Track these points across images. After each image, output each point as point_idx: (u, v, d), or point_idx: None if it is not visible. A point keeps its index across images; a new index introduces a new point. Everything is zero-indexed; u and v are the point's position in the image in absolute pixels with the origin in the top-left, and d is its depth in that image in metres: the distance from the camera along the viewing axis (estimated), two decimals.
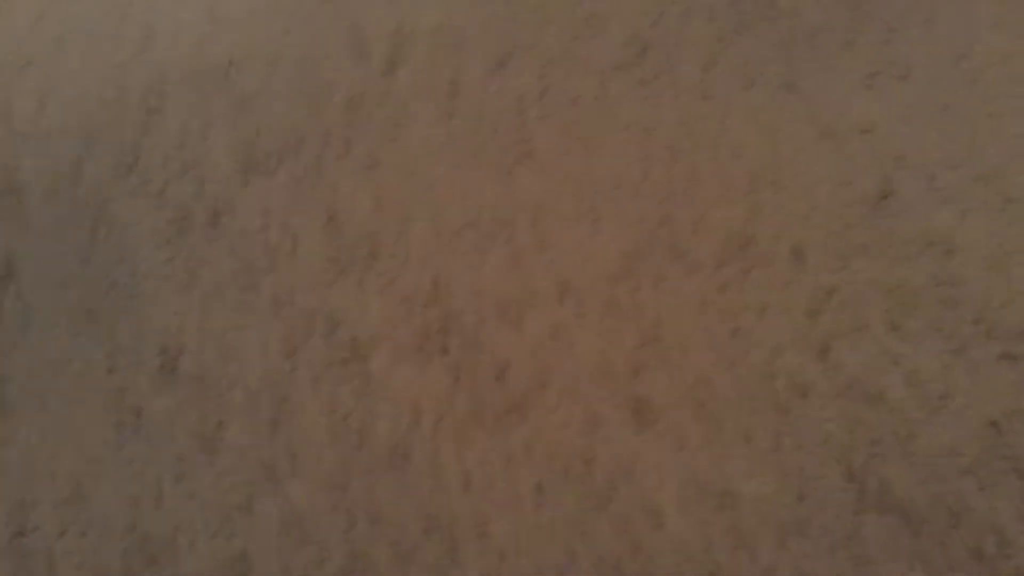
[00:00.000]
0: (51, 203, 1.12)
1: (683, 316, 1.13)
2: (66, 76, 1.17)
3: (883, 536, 0.96)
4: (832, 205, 1.25)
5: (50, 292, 1.03)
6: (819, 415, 1.05)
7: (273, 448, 0.95)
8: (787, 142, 1.32)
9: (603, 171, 1.26)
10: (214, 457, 0.93)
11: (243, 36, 1.24)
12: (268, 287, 1.08)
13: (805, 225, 1.23)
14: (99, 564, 0.86)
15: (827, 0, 1.21)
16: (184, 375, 0.99)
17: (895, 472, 1.01)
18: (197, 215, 1.14)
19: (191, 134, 1.22)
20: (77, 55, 1.18)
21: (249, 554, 0.89)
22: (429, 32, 1.27)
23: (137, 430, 0.94)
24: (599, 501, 0.97)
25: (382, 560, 0.90)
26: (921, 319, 1.15)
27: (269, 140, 1.24)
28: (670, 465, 1.01)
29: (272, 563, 0.88)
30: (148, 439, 0.93)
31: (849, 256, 1.20)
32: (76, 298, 1.03)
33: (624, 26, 1.28)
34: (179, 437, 0.95)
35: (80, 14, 1.21)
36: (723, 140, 1.31)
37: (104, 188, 1.14)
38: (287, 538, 0.90)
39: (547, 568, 0.91)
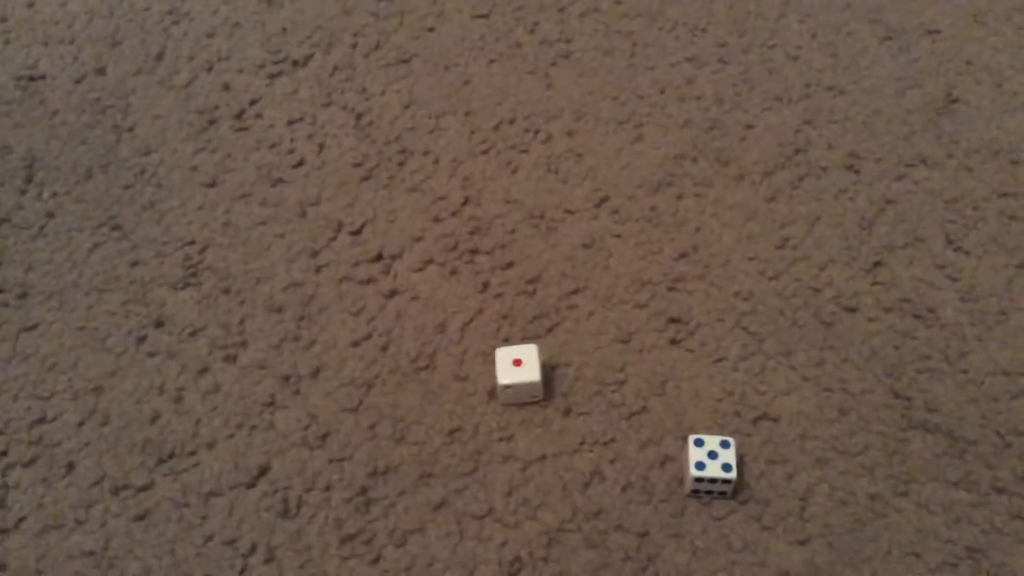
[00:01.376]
0: (74, 99, 1.10)
1: (727, 227, 1.08)
2: None
3: (927, 456, 0.91)
4: (893, 111, 1.18)
5: (73, 186, 1.02)
6: (866, 330, 1.00)
7: (296, 350, 0.93)
8: (847, 43, 1.24)
9: (647, 73, 1.20)
10: (237, 355, 0.92)
11: None
12: (294, 186, 1.05)
13: (863, 132, 1.16)
14: (117, 456, 0.86)
15: None
16: (208, 271, 0.97)
17: (944, 391, 0.96)
18: (223, 111, 1.11)
19: (218, 30, 1.18)
20: None
21: (269, 457, 0.87)
22: None
23: (160, 325, 0.93)
24: (629, 414, 0.94)
25: (403, 467, 0.88)
26: (982, 232, 1.08)
27: (298, 37, 1.20)
28: (705, 380, 0.97)
29: (291, 466, 0.86)
30: (170, 334, 0.92)
31: (909, 165, 1.13)
32: (99, 192, 1.01)
33: None
34: (202, 334, 0.93)
35: None
36: (777, 40, 1.24)
37: (128, 83, 1.11)
38: (307, 442, 0.88)
39: (572, 479, 0.89)
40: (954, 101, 1.19)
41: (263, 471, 0.88)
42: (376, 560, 0.84)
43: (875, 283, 1.04)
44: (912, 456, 0.92)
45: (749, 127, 1.16)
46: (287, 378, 0.94)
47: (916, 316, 1.01)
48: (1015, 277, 1.05)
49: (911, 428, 0.94)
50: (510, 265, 1.03)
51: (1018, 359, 0.99)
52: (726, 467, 0.86)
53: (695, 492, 0.89)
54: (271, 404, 0.92)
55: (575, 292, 1.02)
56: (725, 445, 0.88)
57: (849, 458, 0.92)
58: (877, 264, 1.05)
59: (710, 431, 0.92)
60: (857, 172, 1.13)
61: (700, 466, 0.87)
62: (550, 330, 0.99)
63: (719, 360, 0.98)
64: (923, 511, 0.89)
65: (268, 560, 0.84)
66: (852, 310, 1.02)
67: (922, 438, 0.93)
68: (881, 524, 0.88)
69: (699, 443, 0.88)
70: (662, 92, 1.18)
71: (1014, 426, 0.94)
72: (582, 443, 0.92)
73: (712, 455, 0.87)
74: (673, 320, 1.01)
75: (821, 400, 0.95)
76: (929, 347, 0.99)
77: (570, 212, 1.08)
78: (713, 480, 0.87)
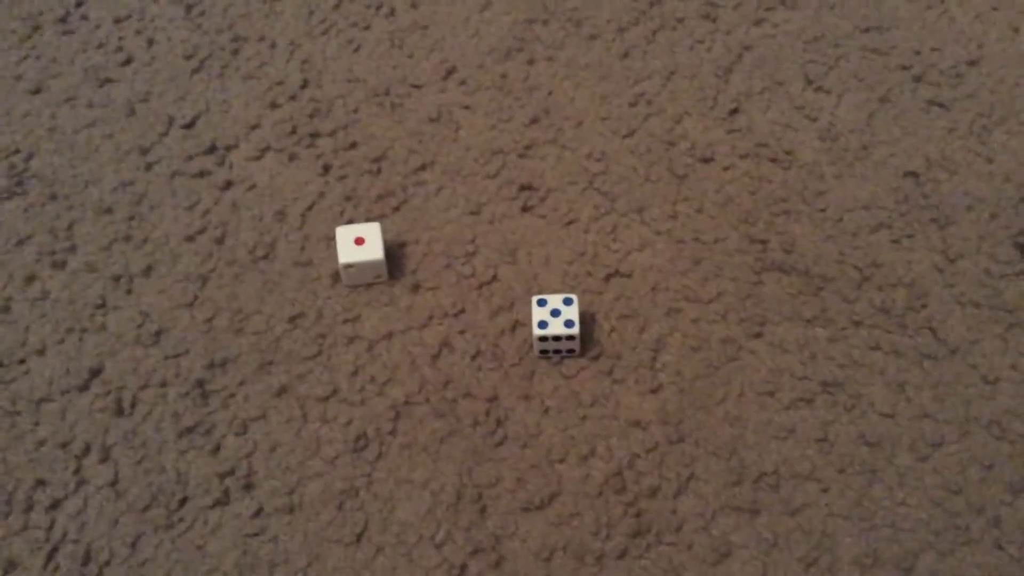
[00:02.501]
0: None
1: (579, 88, 1.04)
2: None
3: (782, 296, 0.89)
4: None
5: None
6: (721, 179, 0.97)
7: (127, 250, 0.90)
8: None
9: None
10: (66, 260, 0.88)
11: None
12: (123, 85, 1.01)
13: None
14: None
15: None
16: (34, 179, 0.93)
17: (801, 231, 0.94)
18: (48, 16, 1.05)
19: None
20: None
21: (101, 358, 0.85)
22: None
23: None
24: (479, 283, 0.91)
25: (243, 357, 0.85)
26: (843, 70, 1.05)
27: None
28: (556, 244, 0.94)
29: (125, 367, 0.84)
30: None
31: (768, 9, 1.09)
32: None
33: None
34: (29, 242, 0.89)
35: None
36: None
37: None
38: (140, 340, 0.85)
39: (420, 353, 0.86)
40: None
41: (95, 373, 0.86)
42: (216, 450, 0.82)
43: (731, 131, 1.01)
44: (766, 298, 0.90)
45: None
46: (118, 278, 0.90)
47: (773, 160, 0.99)
48: (876, 111, 1.02)
49: (765, 271, 0.92)
50: (353, 146, 0.99)
51: (879, 192, 0.96)
52: (568, 323, 0.84)
53: (543, 352, 0.87)
54: (102, 306, 0.89)
55: (422, 168, 0.99)
56: (568, 302, 0.85)
57: (702, 306, 0.90)
58: (734, 112, 1.02)
59: (560, 292, 0.89)
60: (714, 20, 1.09)
61: (543, 325, 0.85)
62: (397, 208, 0.96)
63: (571, 223, 0.96)
64: (777, 350, 0.87)
65: (103, 459, 0.82)
66: (707, 160, 0.99)
67: (777, 279, 0.91)
68: (734, 367, 0.87)
69: (542, 303, 0.86)
70: None
71: (873, 259, 0.92)
72: (431, 317, 0.90)
73: (555, 313, 0.85)
74: (524, 187, 0.98)
75: (674, 252, 0.93)
76: (786, 189, 0.97)
77: (416, 87, 1.04)
78: (557, 338, 0.85)
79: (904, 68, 1.04)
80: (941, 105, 1.01)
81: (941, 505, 0.79)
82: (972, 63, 1.03)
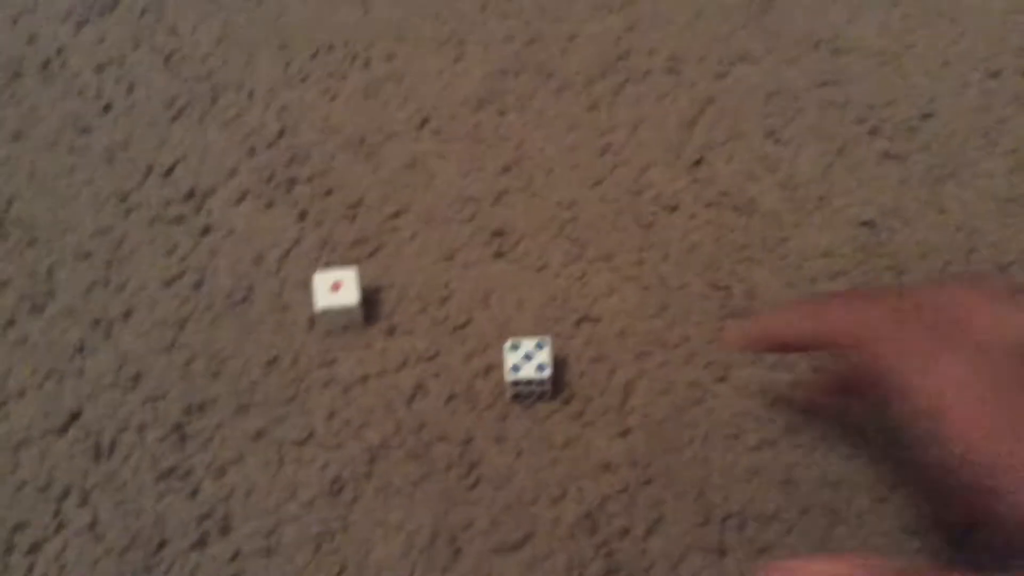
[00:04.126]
0: None
1: (549, 138, 1.08)
2: None
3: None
4: (714, 11, 1.18)
5: None
6: (686, 227, 1.01)
7: (105, 295, 0.91)
8: None
9: None
10: (45, 304, 0.89)
11: None
12: (102, 133, 1.02)
13: (685, 34, 1.16)
14: None
15: None
16: (13, 224, 0.95)
17: (762, 278, 0.97)
18: (29, 62, 1.07)
19: None
20: None
21: (80, 402, 0.86)
22: None
23: None
24: (454, 327, 0.94)
25: (220, 400, 0.87)
26: (802, 123, 1.09)
27: None
28: (527, 288, 0.97)
29: (104, 411, 0.85)
30: None
31: (730, 63, 1.14)
32: None
33: None
34: (9, 287, 0.91)
35: None
36: None
37: None
38: (119, 384, 0.87)
39: (395, 396, 0.89)
40: None
41: (74, 416, 0.87)
42: (194, 493, 0.83)
43: (695, 180, 1.05)
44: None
45: (572, 38, 1.15)
46: (97, 322, 0.92)
47: (735, 208, 1.03)
48: (833, 163, 1.06)
49: (729, 316, 0.95)
50: (329, 192, 1.02)
51: (836, 241, 1.00)
52: (540, 367, 0.87)
53: (516, 396, 0.89)
54: (81, 350, 0.90)
55: (397, 215, 1.01)
56: (540, 346, 0.88)
57: (669, 350, 0.93)
58: (698, 162, 1.06)
59: (533, 336, 0.92)
60: (678, 74, 1.13)
61: (515, 369, 0.87)
62: (372, 254, 0.99)
63: (541, 268, 0.98)
64: (741, 395, 0.90)
65: (82, 503, 0.83)
66: (673, 208, 1.03)
67: (740, 325, 0.94)
68: (700, 410, 0.90)
69: (514, 347, 0.88)
70: (483, 9, 1.17)
71: None
72: (405, 361, 0.92)
73: (527, 357, 0.88)
74: (496, 233, 1.01)
75: (641, 298, 0.96)
76: (748, 237, 1.01)
77: (391, 135, 1.07)
78: (529, 382, 0.87)
79: (860, 122, 1.08)
80: (895, 157, 1.06)
81: (899, 546, 0.82)
82: (925, 117, 1.08)
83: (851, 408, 0.88)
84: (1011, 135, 1.07)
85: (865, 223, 1.01)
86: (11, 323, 0.92)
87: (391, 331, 0.93)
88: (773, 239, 1.00)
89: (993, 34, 1.15)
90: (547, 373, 0.87)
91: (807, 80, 1.13)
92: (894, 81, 1.12)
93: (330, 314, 0.91)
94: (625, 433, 0.88)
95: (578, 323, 0.95)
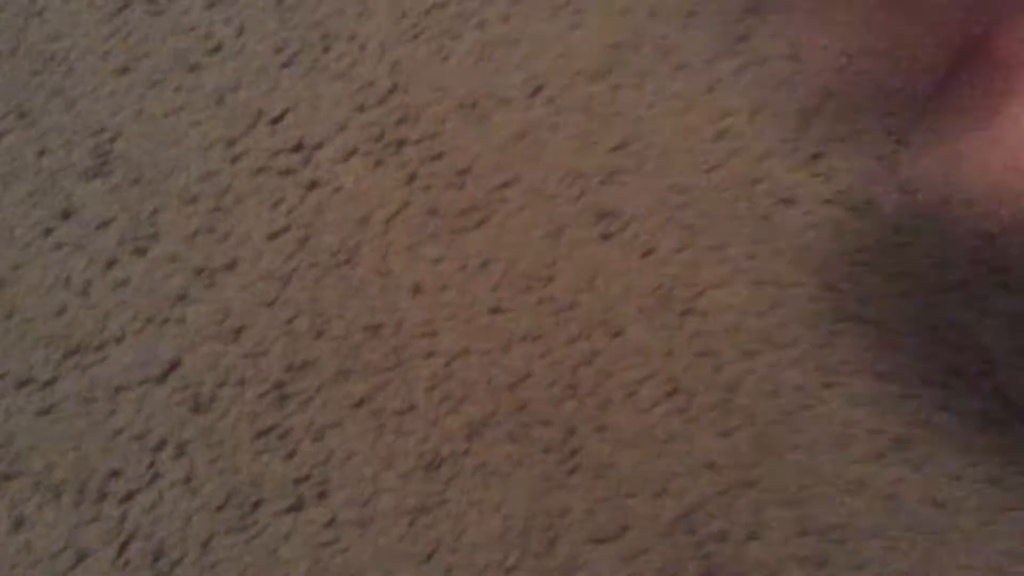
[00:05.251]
0: None
1: (665, 117, 1.04)
2: None
3: (857, 349, 0.90)
4: (841, 0, 1.13)
5: None
6: (802, 223, 0.97)
7: (209, 243, 0.90)
8: None
9: None
10: (148, 247, 0.88)
11: None
12: (211, 73, 1.00)
13: (808, 21, 1.12)
14: (22, 351, 0.82)
15: None
16: (118, 160, 0.93)
17: (878, 284, 0.94)
18: None
19: None
20: None
21: (180, 351, 0.84)
22: None
23: (67, 216, 0.88)
24: (558, 309, 0.91)
25: (322, 361, 0.86)
26: (922, 123, 1.05)
27: None
28: (635, 274, 0.94)
29: (204, 362, 0.84)
30: (79, 225, 0.88)
31: (849, 56, 1.09)
32: (5, 79, 0.95)
33: None
34: (112, 225, 0.89)
35: None
36: None
37: None
38: (220, 336, 0.85)
39: (498, 379, 0.87)
40: None
41: (174, 366, 0.85)
42: (292, 454, 0.82)
43: (813, 175, 1.01)
44: (841, 348, 0.91)
45: (691, 14, 1.11)
46: (200, 271, 0.90)
47: (852, 209, 0.99)
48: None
49: (840, 321, 0.92)
50: (439, 156, 0.99)
51: (953, 251, 0.97)
52: None
53: None
54: (183, 298, 0.89)
55: (506, 185, 0.99)
56: None
57: (777, 350, 0.91)
58: (816, 156, 1.02)
59: (638, 325, 0.90)
60: (799, 61, 1.09)
61: None
62: (479, 224, 0.96)
63: (649, 253, 0.96)
64: (849, 403, 0.88)
65: (178, 455, 0.82)
66: (789, 203, 0.99)
67: (852, 331, 0.92)
68: (807, 416, 0.87)
69: None
70: None
71: (945, 318, 0.92)
72: (509, 340, 0.90)
73: None
74: (605, 214, 0.98)
75: (752, 293, 0.94)
76: (866, 239, 0.97)
77: (504, 101, 1.04)
78: None
79: None
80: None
81: (1004, 571, 0.80)
82: None
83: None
84: None
85: (984, 235, 0.98)
86: (112, 263, 0.90)
87: (496, 308, 0.91)
88: (892, 244, 0.97)
89: None
90: None
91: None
92: None
93: None
94: (729, 433, 0.86)
95: (684, 314, 0.92)
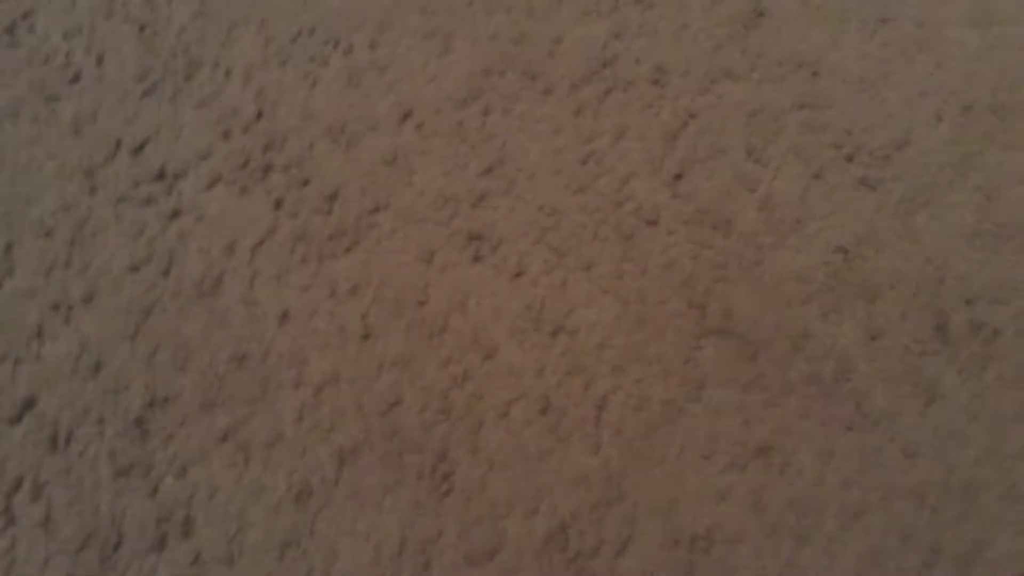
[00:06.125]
0: None
1: (533, 142, 1.06)
2: None
3: (721, 361, 0.93)
4: (701, 25, 1.18)
5: None
6: (665, 242, 1.00)
7: (66, 276, 0.87)
8: None
9: None
10: (2, 282, 0.85)
11: None
12: (69, 103, 0.97)
13: (671, 46, 1.15)
14: None
15: None
16: None
17: (738, 298, 0.97)
18: None
19: None
20: None
21: (35, 389, 0.81)
22: None
23: None
24: (430, 333, 0.92)
25: (185, 395, 0.83)
26: (781, 144, 1.09)
27: None
28: (506, 295, 0.95)
29: (60, 400, 0.81)
30: None
31: (714, 79, 1.13)
32: None
33: None
34: None
35: None
36: None
37: None
38: (78, 374, 0.83)
39: (369, 405, 0.86)
40: (761, 15, 1.19)
41: (29, 404, 0.82)
42: (154, 492, 0.80)
43: (675, 196, 1.04)
44: (705, 362, 0.93)
45: (558, 40, 1.13)
46: (56, 306, 0.87)
47: (714, 227, 1.02)
48: (810, 186, 1.07)
49: (705, 335, 0.95)
50: (306, 182, 0.99)
51: (810, 265, 1.01)
52: None
53: None
54: (39, 334, 0.86)
55: (376, 210, 0.99)
56: None
57: (645, 366, 0.93)
58: (678, 177, 1.06)
59: (510, 345, 0.90)
60: (662, 86, 1.12)
61: None
62: (348, 249, 0.96)
63: (519, 275, 0.97)
64: (714, 414, 0.90)
65: (35, 497, 0.79)
66: (652, 223, 1.02)
67: (715, 344, 0.94)
68: (673, 428, 0.89)
69: None
70: (470, 3, 1.14)
71: (804, 328, 0.96)
72: (380, 365, 0.90)
73: None
74: (475, 237, 0.99)
75: (619, 311, 0.96)
76: (725, 256, 1.00)
77: (372, 127, 1.04)
78: None
79: (837, 146, 1.09)
80: (870, 184, 1.07)
81: (863, 572, 0.83)
82: (900, 146, 1.10)
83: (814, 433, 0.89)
84: (980, 171, 1.09)
85: (839, 249, 1.02)
86: None
87: (366, 334, 0.91)
88: (749, 260, 1.00)
89: (967, 69, 1.17)
90: None
91: (788, 101, 1.13)
92: (871, 108, 1.14)
93: None
94: (599, 448, 0.87)
95: (555, 333, 0.94)
